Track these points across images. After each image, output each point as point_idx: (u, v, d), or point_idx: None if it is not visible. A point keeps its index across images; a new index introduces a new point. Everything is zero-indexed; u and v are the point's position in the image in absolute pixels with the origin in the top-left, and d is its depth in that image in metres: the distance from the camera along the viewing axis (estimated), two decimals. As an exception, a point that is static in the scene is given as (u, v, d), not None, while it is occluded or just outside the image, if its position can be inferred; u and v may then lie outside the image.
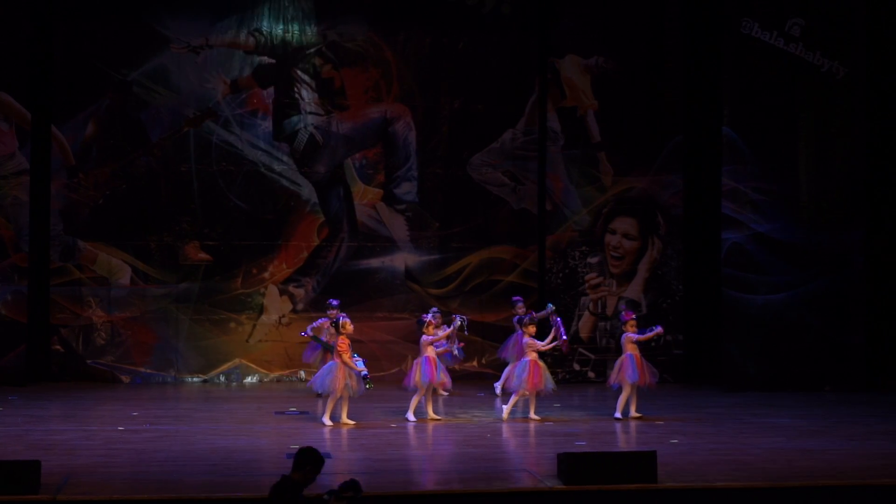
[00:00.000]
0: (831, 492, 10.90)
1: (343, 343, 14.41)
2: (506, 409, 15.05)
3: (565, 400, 16.72)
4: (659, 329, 15.34)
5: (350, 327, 14.59)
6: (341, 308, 16.34)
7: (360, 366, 14.47)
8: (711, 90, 18.97)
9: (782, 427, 14.55)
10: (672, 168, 19.37)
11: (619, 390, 15.19)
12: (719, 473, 11.50)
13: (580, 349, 19.09)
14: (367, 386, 14.56)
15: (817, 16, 18.35)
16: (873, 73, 18.75)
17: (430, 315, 15.41)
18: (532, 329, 15.05)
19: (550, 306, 16.26)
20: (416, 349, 15.44)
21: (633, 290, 19.36)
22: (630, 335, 15.19)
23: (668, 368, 19.05)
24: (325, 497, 8.42)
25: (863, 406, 16.58)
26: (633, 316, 15.43)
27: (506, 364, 17.33)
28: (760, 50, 18.28)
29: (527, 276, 19.60)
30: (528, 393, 14.97)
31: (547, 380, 14.93)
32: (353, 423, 14.51)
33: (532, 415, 15.04)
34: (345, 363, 14.34)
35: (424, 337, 15.00)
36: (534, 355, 14.91)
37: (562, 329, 15.36)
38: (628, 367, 15.06)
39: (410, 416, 14.87)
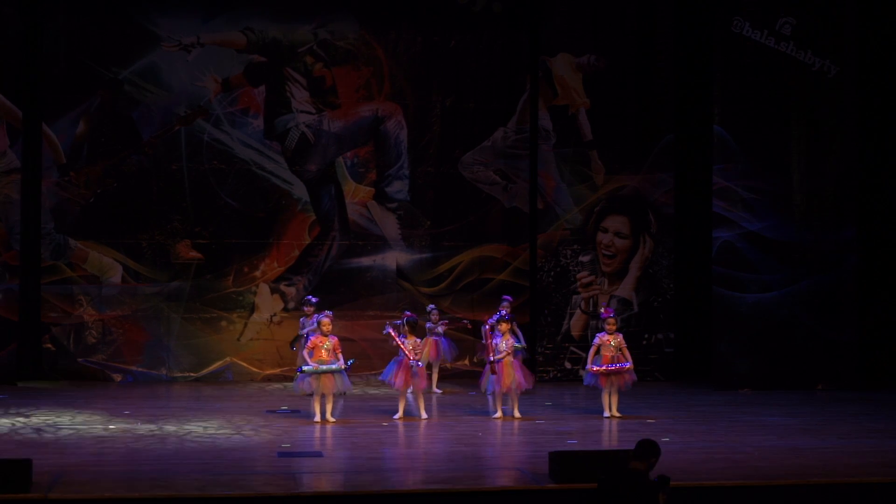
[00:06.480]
0: (822, 490, 10.92)
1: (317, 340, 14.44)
2: (499, 409, 15.03)
3: (556, 398, 16.72)
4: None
5: (327, 327, 14.57)
6: (322, 307, 16.26)
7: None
8: (702, 89, 18.98)
9: (774, 425, 14.56)
10: (663, 166, 19.38)
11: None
12: (710, 471, 11.52)
13: (572, 348, 19.10)
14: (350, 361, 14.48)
15: (808, 14, 18.36)
16: (865, 72, 18.78)
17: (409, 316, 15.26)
18: (504, 327, 14.98)
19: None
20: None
21: (625, 288, 19.36)
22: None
23: (659, 366, 19.10)
24: (657, 480, 8.20)
25: (854, 404, 16.61)
26: (611, 314, 15.37)
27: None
28: (751, 49, 18.29)
29: (518, 274, 19.58)
30: (500, 391, 14.94)
31: (515, 378, 14.79)
32: (333, 420, 14.47)
33: (515, 413, 15.01)
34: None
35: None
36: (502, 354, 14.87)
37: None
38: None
39: (398, 415, 14.92)
